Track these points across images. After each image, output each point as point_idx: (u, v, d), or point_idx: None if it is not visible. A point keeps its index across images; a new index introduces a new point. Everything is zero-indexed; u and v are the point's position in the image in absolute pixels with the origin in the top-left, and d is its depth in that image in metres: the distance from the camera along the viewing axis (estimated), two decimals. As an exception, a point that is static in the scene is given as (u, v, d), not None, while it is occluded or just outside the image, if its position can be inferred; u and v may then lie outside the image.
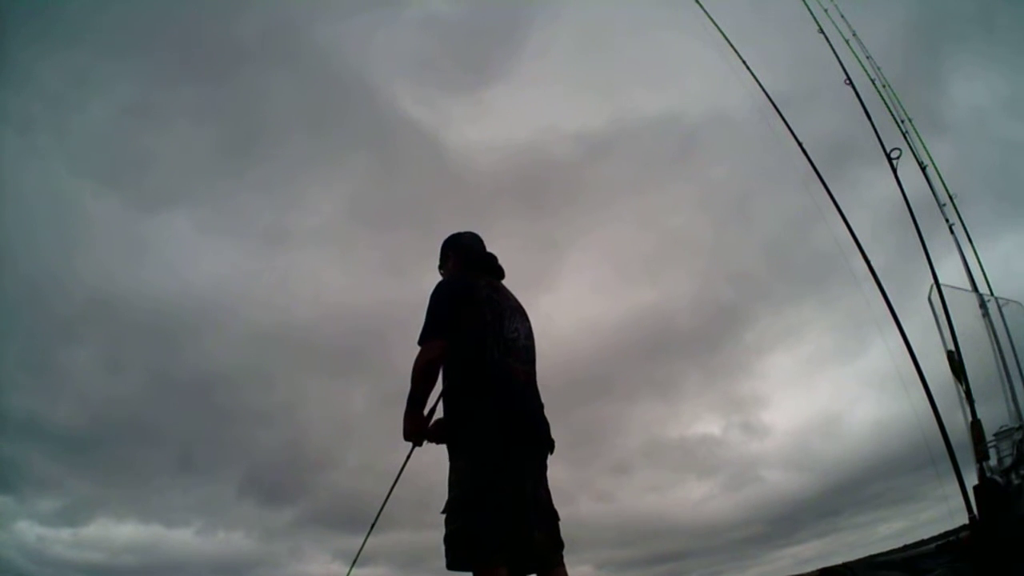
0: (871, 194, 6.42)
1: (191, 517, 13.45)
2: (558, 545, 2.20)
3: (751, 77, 4.71)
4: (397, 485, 2.66)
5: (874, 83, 5.07)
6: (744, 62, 4.81)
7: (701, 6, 5.11)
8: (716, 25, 5.02)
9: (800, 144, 4.42)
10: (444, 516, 2.10)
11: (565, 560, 2.20)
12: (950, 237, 4.70)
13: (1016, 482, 3.78)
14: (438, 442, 2.24)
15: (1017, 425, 4.00)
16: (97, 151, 14.73)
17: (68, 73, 13.65)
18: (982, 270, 4.66)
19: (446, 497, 2.14)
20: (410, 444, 2.34)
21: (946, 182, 4.89)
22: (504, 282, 2.59)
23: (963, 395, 3.78)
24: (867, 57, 5.24)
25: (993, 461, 3.86)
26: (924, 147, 4.91)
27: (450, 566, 2.02)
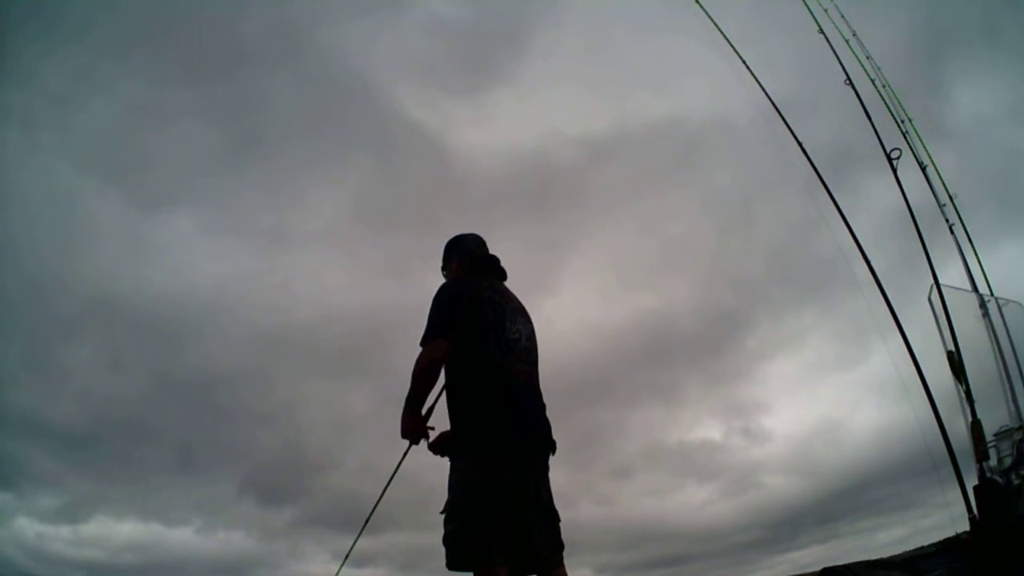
0: (872, 201, 6.45)
1: (191, 516, 13.48)
2: (558, 546, 2.21)
3: (753, 79, 4.72)
4: (397, 486, 2.68)
5: (874, 83, 5.07)
6: (745, 63, 4.82)
7: (702, 7, 5.13)
8: (717, 26, 5.02)
9: (801, 145, 4.42)
10: (443, 516, 2.12)
11: (565, 562, 2.22)
12: (950, 239, 4.70)
13: (1016, 482, 3.78)
14: (440, 454, 2.25)
15: (1017, 425, 4.00)
16: (100, 150, 14.74)
17: (71, 71, 13.68)
18: (982, 270, 4.67)
19: (446, 498, 2.16)
20: (407, 442, 2.36)
21: (946, 182, 4.91)
22: (507, 284, 2.61)
23: (963, 395, 3.78)
24: (867, 57, 5.25)
25: (993, 461, 3.86)
26: (924, 147, 4.92)
27: (450, 566, 2.04)
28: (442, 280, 2.62)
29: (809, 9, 5.24)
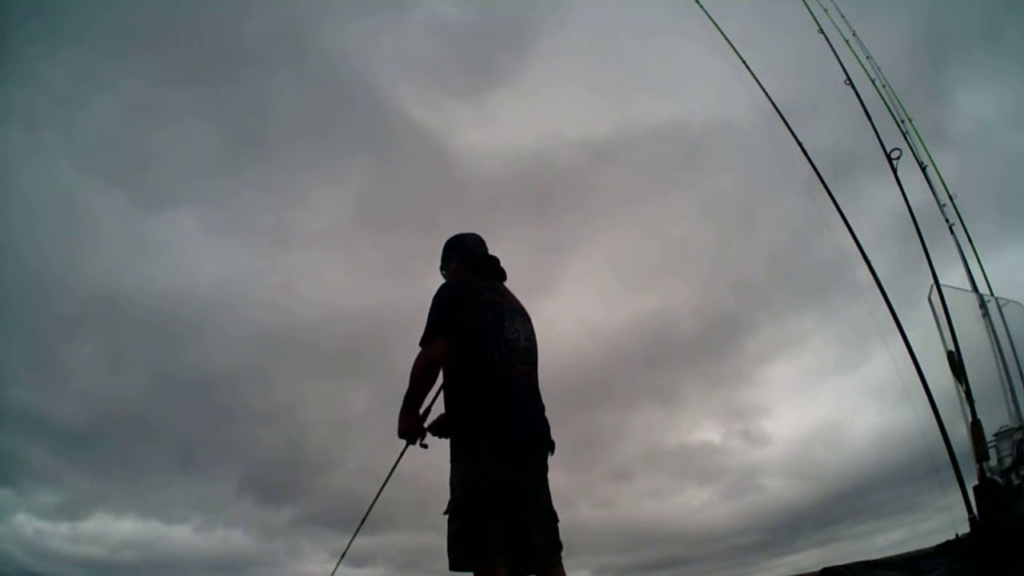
0: (873, 205, 6.45)
1: (190, 514, 13.49)
2: (557, 546, 2.21)
3: (754, 81, 4.73)
4: (396, 486, 2.69)
5: (874, 83, 5.08)
6: (746, 64, 4.83)
7: (703, 8, 5.13)
8: (718, 27, 5.03)
9: (801, 146, 4.43)
10: (446, 517, 2.13)
11: (564, 563, 2.22)
12: (951, 239, 4.70)
13: (1016, 482, 3.78)
14: (440, 435, 2.27)
15: (1017, 425, 4.00)
16: (102, 149, 14.76)
17: (73, 70, 13.71)
18: (982, 270, 4.67)
19: (447, 498, 2.16)
20: (403, 442, 2.37)
21: (946, 183, 4.91)
22: (507, 285, 2.61)
23: (963, 395, 3.78)
24: (867, 57, 5.25)
25: (993, 461, 3.86)
26: (924, 147, 4.92)
27: (453, 567, 2.04)
28: (442, 280, 2.62)
29: (809, 9, 5.25)
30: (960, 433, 3.69)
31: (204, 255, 15.97)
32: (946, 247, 4.64)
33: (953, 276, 4.44)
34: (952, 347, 3.87)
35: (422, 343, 2.27)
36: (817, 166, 4.34)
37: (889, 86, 5.17)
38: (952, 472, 3.50)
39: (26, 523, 12.09)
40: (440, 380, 2.33)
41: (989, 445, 3.81)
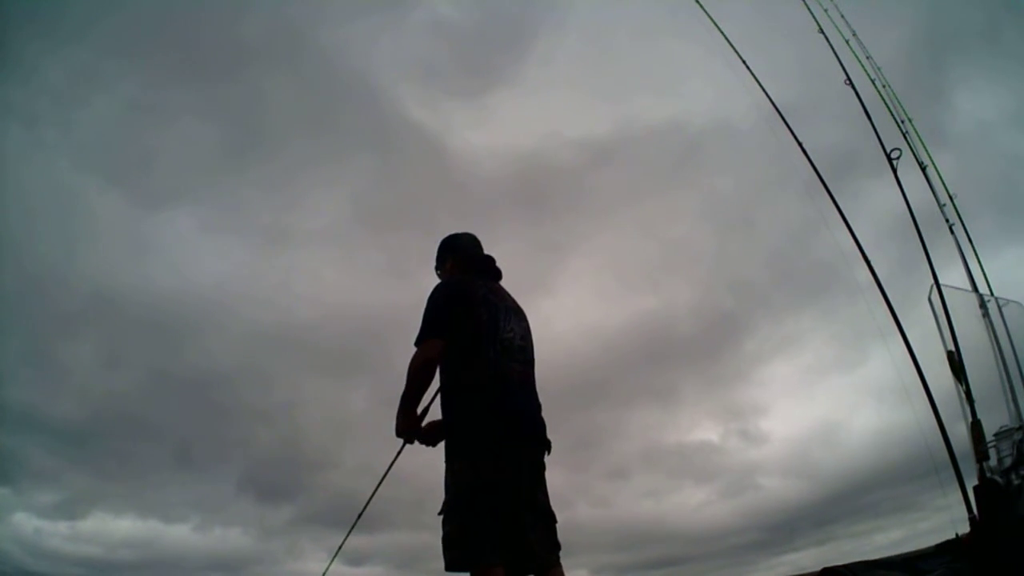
0: (872, 206, 6.45)
1: (189, 513, 13.52)
2: (555, 546, 2.21)
3: (754, 80, 4.72)
4: (395, 485, 2.68)
5: (874, 83, 5.07)
6: (746, 64, 4.82)
7: (703, 8, 5.13)
8: (718, 27, 5.03)
9: (801, 146, 4.42)
10: (441, 517, 2.12)
11: (562, 562, 2.21)
12: (951, 239, 4.68)
13: (1016, 482, 3.77)
14: (430, 444, 2.26)
15: (1017, 425, 3.99)
16: (101, 147, 14.79)
17: (73, 69, 13.73)
18: (982, 270, 4.66)
19: (443, 498, 2.15)
20: (401, 441, 2.36)
21: (946, 183, 4.90)
22: (505, 285, 2.61)
23: (963, 395, 3.77)
24: (867, 57, 5.24)
25: (993, 461, 3.85)
26: (924, 147, 4.91)
27: (448, 567, 2.04)
28: (437, 280, 2.62)
29: (809, 9, 5.24)
30: (959, 433, 3.68)
31: (203, 254, 16.01)
32: (946, 247, 4.64)
33: (953, 276, 4.43)
34: (952, 347, 3.86)
35: (417, 343, 2.27)
36: (817, 165, 4.33)
37: (889, 86, 5.16)
38: (951, 471, 3.49)
39: (25, 522, 12.12)
40: (437, 380, 2.32)
41: (989, 445, 3.80)
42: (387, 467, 2.66)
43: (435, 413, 2.35)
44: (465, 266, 2.59)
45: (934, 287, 4.02)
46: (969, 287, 4.51)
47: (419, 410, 2.31)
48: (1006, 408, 4.12)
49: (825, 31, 5.12)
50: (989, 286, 4.60)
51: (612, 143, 16.03)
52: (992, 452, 3.85)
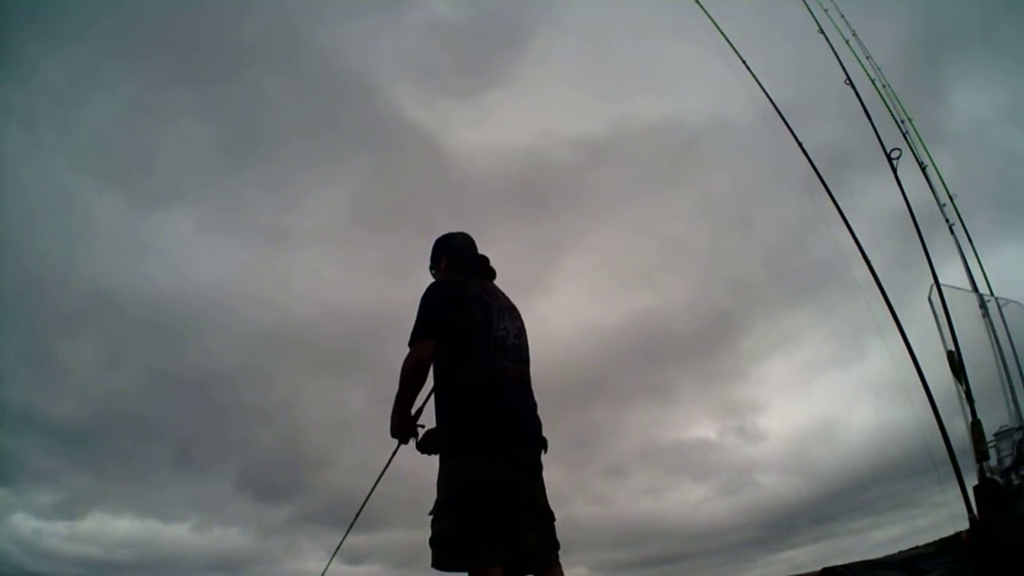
0: (872, 202, 6.44)
1: (187, 513, 13.53)
2: (553, 545, 2.20)
3: (753, 80, 4.72)
4: (393, 484, 2.68)
5: (874, 83, 5.07)
6: (745, 63, 4.82)
7: (702, 7, 5.12)
8: (717, 27, 5.02)
9: (800, 145, 4.41)
10: (431, 518, 2.11)
11: (561, 561, 2.20)
12: (950, 239, 4.68)
13: (1016, 482, 3.76)
14: (424, 452, 2.25)
15: (1017, 425, 3.99)
16: (100, 148, 14.81)
17: (73, 69, 13.75)
18: (982, 270, 4.66)
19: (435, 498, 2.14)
20: (396, 441, 2.36)
21: (946, 182, 4.90)
22: (502, 283, 2.61)
23: (963, 395, 3.76)
24: (867, 57, 5.24)
25: (993, 461, 3.85)
26: (924, 147, 4.91)
27: (436, 566, 2.03)
28: (431, 279, 2.61)
29: (809, 9, 5.24)
30: (958, 429, 3.68)
31: (202, 254, 16.02)
32: (945, 245, 4.63)
33: (952, 275, 4.43)
34: (952, 347, 3.85)
35: (410, 344, 2.27)
36: (816, 164, 4.33)
37: (889, 86, 5.16)
38: (950, 468, 3.49)
39: (23, 522, 12.11)
40: (431, 380, 2.31)
41: (989, 445, 3.79)
42: (383, 467, 2.64)
43: (429, 413, 2.34)
44: (459, 266, 2.59)
45: (934, 287, 4.02)
46: (969, 287, 4.51)
47: (412, 411, 2.30)
48: (1006, 408, 4.12)
49: (825, 31, 5.13)
50: (989, 286, 4.60)
51: (609, 141, 16.08)
52: (992, 452, 3.85)
